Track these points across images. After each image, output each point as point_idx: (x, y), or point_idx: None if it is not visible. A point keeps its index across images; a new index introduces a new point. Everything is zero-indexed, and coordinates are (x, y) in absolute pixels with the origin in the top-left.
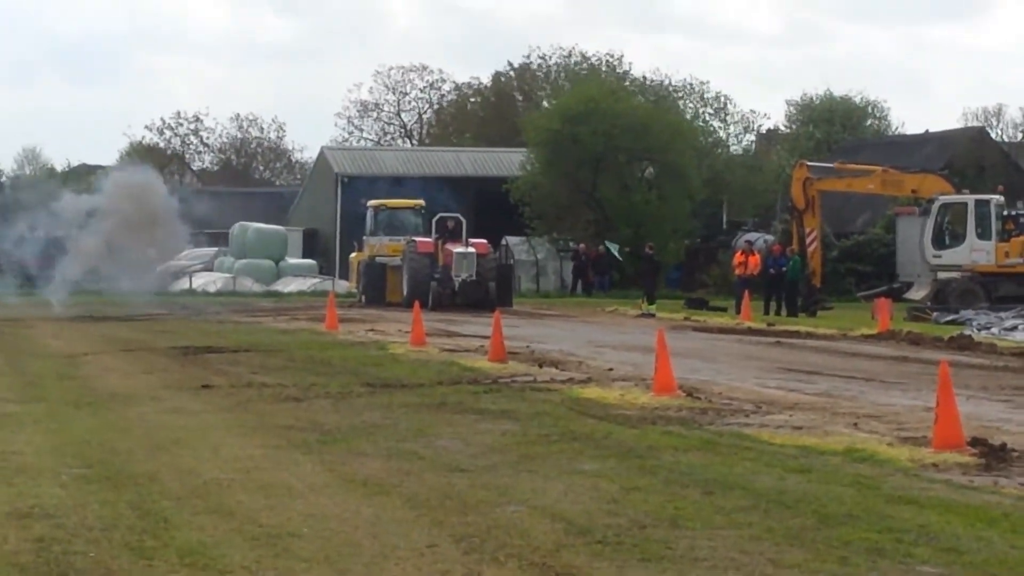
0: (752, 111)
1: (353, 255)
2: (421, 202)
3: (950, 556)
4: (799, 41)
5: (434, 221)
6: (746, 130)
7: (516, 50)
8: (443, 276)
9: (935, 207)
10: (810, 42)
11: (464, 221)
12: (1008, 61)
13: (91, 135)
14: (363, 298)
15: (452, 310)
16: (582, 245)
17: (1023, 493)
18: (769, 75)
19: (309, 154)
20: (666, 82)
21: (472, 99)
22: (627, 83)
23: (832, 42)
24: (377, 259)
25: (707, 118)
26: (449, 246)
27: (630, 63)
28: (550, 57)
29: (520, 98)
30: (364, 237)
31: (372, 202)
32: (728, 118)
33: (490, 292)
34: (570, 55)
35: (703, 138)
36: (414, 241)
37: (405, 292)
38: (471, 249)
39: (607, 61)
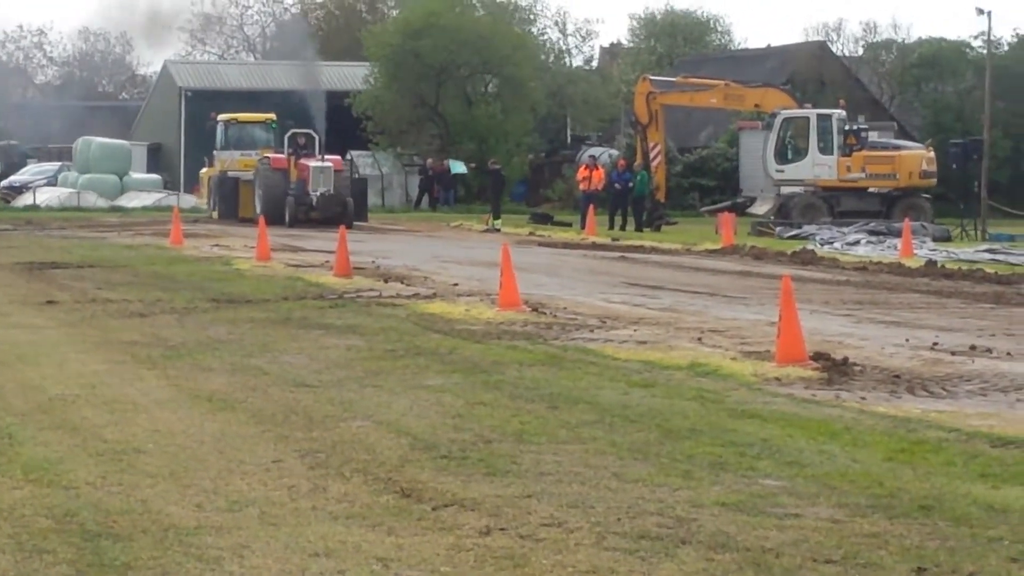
0: (587, 20)
1: (204, 170)
2: (272, 116)
3: (792, 469)
4: None
5: (286, 137)
6: (584, 39)
7: None
8: (298, 191)
9: (777, 121)
10: None
11: (317, 136)
12: None
13: None
14: (215, 213)
15: (308, 225)
16: (430, 160)
17: (864, 407)
18: None
19: (154, 68)
20: None
21: (315, 12)
22: None
23: None
24: (229, 174)
25: (546, 30)
26: (304, 161)
27: None
28: None
29: (365, 11)
30: (214, 152)
31: (222, 116)
32: (566, 28)
33: (348, 207)
34: None
35: (544, 51)
36: (267, 157)
37: (259, 208)
38: (328, 164)
39: None
